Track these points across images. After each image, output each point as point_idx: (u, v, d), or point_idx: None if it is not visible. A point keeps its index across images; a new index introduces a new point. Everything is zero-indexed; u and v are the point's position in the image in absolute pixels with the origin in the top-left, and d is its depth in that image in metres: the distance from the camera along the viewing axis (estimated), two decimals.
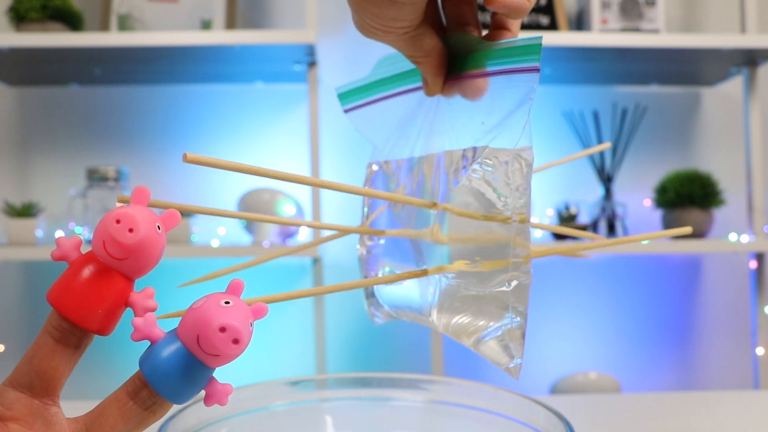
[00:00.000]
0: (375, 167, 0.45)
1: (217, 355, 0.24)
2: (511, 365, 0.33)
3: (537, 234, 1.58)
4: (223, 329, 0.24)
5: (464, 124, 0.35)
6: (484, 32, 0.36)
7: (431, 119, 0.39)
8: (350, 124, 0.45)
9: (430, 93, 0.37)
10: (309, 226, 0.39)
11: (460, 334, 0.35)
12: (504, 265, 0.32)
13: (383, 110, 0.43)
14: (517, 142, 0.32)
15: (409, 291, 0.39)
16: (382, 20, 0.32)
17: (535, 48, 0.31)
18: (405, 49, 0.35)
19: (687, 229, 0.39)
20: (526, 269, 0.32)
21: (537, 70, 0.31)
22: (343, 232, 0.40)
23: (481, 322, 0.33)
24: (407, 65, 0.40)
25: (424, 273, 0.35)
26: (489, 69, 0.33)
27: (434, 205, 0.35)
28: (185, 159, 0.25)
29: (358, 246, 0.45)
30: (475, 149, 0.34)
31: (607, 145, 0.41)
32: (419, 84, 0.39)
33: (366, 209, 0.44)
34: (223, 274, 0.40)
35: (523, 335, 0.32)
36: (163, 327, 0.26)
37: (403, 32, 0.34)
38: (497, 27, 0.35)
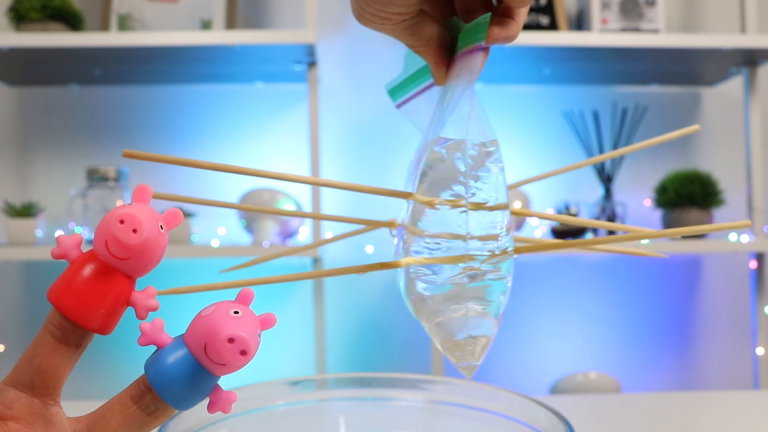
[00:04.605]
0: (413, 156, 0.45)
1: (224, 365, 0.24)
2: (465, 364, 0.32)
3: (537, 233, 1.58)
4: (231, 340, 0.23)
5: (439, 110, 0.35)
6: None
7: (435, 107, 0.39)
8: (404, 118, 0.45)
9: (437, 82, 0.37)
10: (329, 219, 0.39)
11: (432, 335, 0.34)
12: (466, 260, 0.31)
13: (425, 101, 0.43)
14: (468, 125, 0.31)
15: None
16: (379, 6, 0.32)
17: (481, 26, 0.31)
18: (404, 38, 0.35)
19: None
20: (494, 264, 0.31)
21: (482, 49, 0.31)
22: (372, 226, 0.40)
23: (448, 320, 0.33)
24: None
25: (397, 264, 0.35)
26: (461, 51, 0.34)
27: (409, 195, 0.35)
28: (123, 155, 0.26)
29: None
30: (437, 138, 0.33)
31: (696, 128, 0.39)
32: None
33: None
34: (265, 260, 0.40)
35: (489, 340, 0.31)
36: (166, 319, 0.26)
37: (401, 19, 0.33)
38: (500, 14, 0.34)
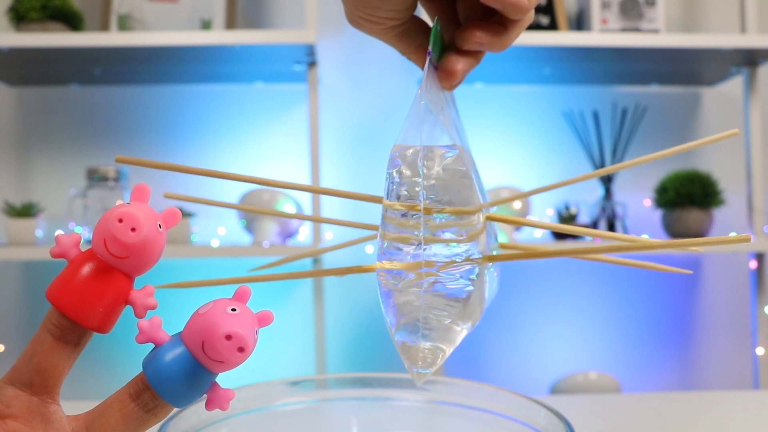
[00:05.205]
0: None
1: (222, 362, 0.24)
2: (416, 370, 0.32)
3: (537, 233, 1.58)
4: (228, 337, 0.23)
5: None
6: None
7: None
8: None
9: None
10: (330, 222, 0.39)
11: (393, 337, 0.34)
12: (422, 266, 0.30)
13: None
14: (422, 130, 0.31)
15: None
16: (368, 9, 0.32)
17: (431, 31, 0.32)
18: (394, 43, 0.35)
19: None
20: (454, 271, 0.30)
21: (428, 53, 0.32)
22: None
23: (404, 325, 0.32)
24: None
25: (370, 269, 0.35)
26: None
27: (380, 200, 0.35)
28: (116, 160, 0.27)
29: None
30: (396, 143, 0.33)
31: (735, 132, 0.38)
32: None
33: None
34: (292, 260, 0.40)
35: (442, 349, 0.31)
36: (164, 317, 0.26)
37: (390, 24, 0.33)
38: (495, 21, 0.34)
